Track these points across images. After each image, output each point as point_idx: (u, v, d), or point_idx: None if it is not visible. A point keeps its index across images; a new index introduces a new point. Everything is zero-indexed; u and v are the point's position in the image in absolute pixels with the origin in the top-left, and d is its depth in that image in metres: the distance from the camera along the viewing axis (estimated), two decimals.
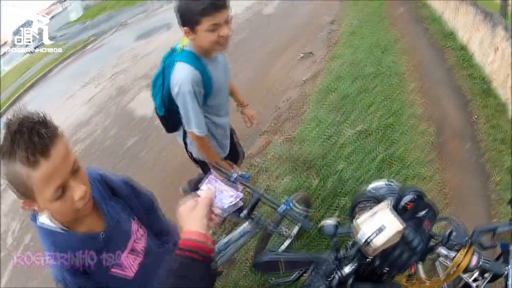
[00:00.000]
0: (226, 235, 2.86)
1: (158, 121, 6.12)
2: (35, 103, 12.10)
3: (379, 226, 1.39)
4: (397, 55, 7.13)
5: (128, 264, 1.68)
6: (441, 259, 1.80)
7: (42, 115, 1.24)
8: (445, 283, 2.90)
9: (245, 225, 2.69)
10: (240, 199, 1.33)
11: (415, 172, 4.28)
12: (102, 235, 1.52)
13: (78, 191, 1.29)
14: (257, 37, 9.64)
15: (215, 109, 2.85)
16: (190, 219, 1.21)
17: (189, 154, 3.21)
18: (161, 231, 2.03)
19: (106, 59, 11.59)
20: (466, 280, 2.48)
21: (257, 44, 8.98)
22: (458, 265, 1.53)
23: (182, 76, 2.46)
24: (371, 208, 1.56)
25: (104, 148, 6.34)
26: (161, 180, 5.05)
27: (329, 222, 1.61)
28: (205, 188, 1.34)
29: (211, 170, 1.37)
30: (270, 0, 12.77)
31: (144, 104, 7.38)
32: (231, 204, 1.31)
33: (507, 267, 1.52)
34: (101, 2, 26.69)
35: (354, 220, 1.49)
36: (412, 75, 6.50)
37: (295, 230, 3.54)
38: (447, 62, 6.89)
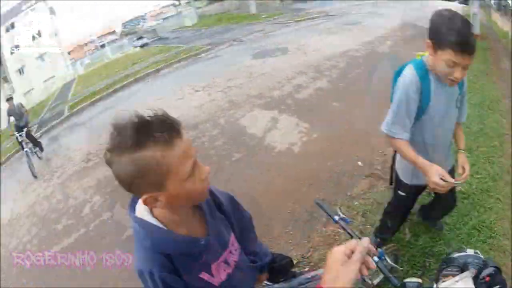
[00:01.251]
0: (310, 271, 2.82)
1: (267, 142, 6.56)
2: (141, 95, 13.03)
3: None
4: (501, 114, 6.87)
5: (218, 272, 1.74)
6: None
7: (169, 115, 1.32)
8: None
9: None
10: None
11: (499, 244, 4.09)
12: (202, 241, 1.58)
13: (205, 169, 1.41)
14: (369, 77, 9.30)
15: (424, 135, 2.69)
16: (340, 272, 1.11)
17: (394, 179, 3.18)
18: (253, 251, 2.12)
19: (220, 71, 12.02)
20: None
21: (368, 84, 8.81)
22: None
23: (404, 76, 2.48)
24: (454, 276, 1.76)
25: (208, 155, 6.60)
26: (260, 199, 5.12)
27: (413, 280, 1.75)
28: (363, 243, 1.18)
29: None
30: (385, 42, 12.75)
31: (256, 123, 7.71)
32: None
33: None
34: (217, 13, 27.53)
35: (438, 284, 1.69)
36: None
37: (377, 280, 3.41)
38: None
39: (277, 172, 5.88)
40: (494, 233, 4.17)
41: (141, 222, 1.50)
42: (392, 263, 2.60)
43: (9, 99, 10.92)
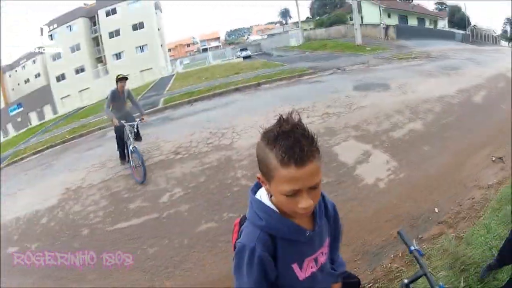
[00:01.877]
0: None
1: (356, 173, 7.15)
2: (239, 105, 13.54)
3: None
4: None
5: (306, 268, 1.89)
6: None
7: (311, 133, 1.49)
8: None
9: None
10: None
11: None
12: (308, 233, 1.75)
13: (305, 203, 1.50)
14: (461, 126, 9.65)
15: None
16: None
17: None
18: (333, 259, 2.27)
19: (321, 96, 12.46)
20: None
21: (458, 133, 9.17)
22: None
23: None
24: None
25: None
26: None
27: None
28: None
29: None
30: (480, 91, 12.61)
31: (349, 153, 8.00)
32: None
33: None
34: (322, 38, 27.97)
35: None
36: None
37: None
38: None
39: (359, 203, 6.21)
40: None
41: (259, 203, 1.75)
42: None
43: (122, 78, 8.56)
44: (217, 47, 30.75)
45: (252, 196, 1.81)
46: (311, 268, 1.92)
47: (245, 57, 26.75)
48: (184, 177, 7.95)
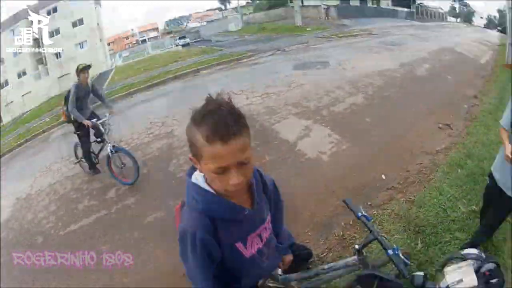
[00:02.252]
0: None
1: (298, 148, 6.85)
2: (178, 93, 13.21)
3: (459, 278, 1.75)
4: None
5: (251, 245, 1.95)
6: None
7: (237, 111, 1.54)
8: None
9: (352, 259, 2.78)
10: None
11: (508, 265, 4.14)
12: (247, 211, 1.80)
13: (235, 179, 1.54)
14: (404, 97, 9.73)
15: None
16: None
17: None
18: (279, 233, 2.36)
19: (260, 77, 12.20)
20: None
21: (402, 104, 9.21)
22: None
23: None
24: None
25: None
26: (285, 201, 5.24)
27: (419, 273, 1.87)
28: None
29: None
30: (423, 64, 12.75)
31: (289, 130, 7.89)
32: None
33: None
34: (262, 21, 27.66)
35: (444, 268, 1.86)
36: None
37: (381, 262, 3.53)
38: None
39: (304, 177, 6.12)
40: (503, 253, 4.20)
41: (195, 187, 1.74)
42: (405, 259, 2.59)
43: (86, 68, 6.83)
44: (156, 37, 29.88)
45: (188, 179, 1.80)
46: (256, 244, 1.98)
47: (184, 45, 26.00)
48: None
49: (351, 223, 4.80)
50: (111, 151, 6.80)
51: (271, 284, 3.19)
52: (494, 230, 3.78)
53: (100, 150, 7.32)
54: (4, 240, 6.49)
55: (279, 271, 3.09)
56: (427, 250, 4.23)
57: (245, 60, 16.10)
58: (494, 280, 1.94)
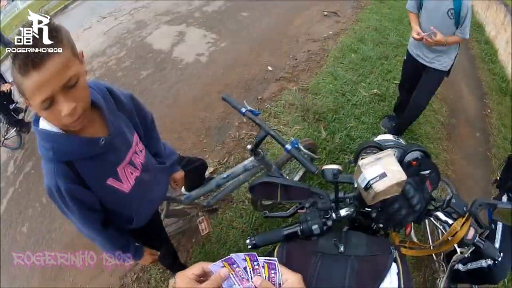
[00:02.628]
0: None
1: (174, 56, 6.47)
2: None
3: (382, 171, 1.33)
4: None
5: (125, 176, 1.74)
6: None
7: (51, 26, 1.27)
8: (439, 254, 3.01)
9: (249, 160, 2.66)
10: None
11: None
12: (102, 140, 1.55)
13: (65, 107, 1.31)
14: None
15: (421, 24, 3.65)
16: None
17: None
18: (158, 152, 2.14)
19: None
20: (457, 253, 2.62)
21: None
22: (454, 234, 1.45)
23: None
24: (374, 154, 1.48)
25: (116, 78, 6.27)
26: (170, 112, 5.06)
27: (332, 166, 1.50)
28: (218, 271, 1.06)
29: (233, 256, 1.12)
30: None
31: (162, 39, 7.34)
32: None
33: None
34: None
35: (358, 161, 1.40)
36: None
37: (298, 176, 3.55)
38: (470, 51, 6.88)
39: (185, 83, 5.75)
40: (415, 135, 4.51)
41: (41, 132, 1.47)
42: (308, 152, 2.51)
43: None
44: None
45: (34, 128, 1.50)
46: (132, 174, 1.78)
47: None
48: None
49: (245, 120, 4.65)
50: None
51: (177, 207, 3.13)
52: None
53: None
54: None
55: (183, 191, 3.04)
56: (333, 138, 4.14)
57: None
58: (426, 172, 1.55)
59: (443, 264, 2.86)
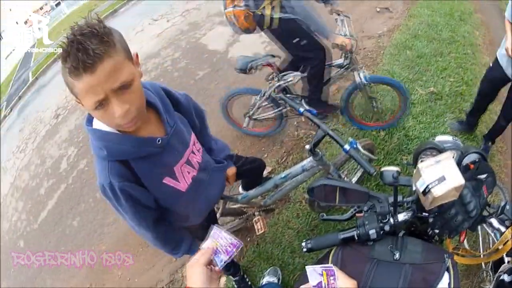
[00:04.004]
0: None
1: (230, 56, 6.53)
2: None
3: (441, 175, 1.29)
4: (473, 26, 6.87)
5: (182, 175, 1.77)
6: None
7: (100, 29, 1.25)
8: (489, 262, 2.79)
9: (307, 161, 2.65)
10: (237, 250, 1.27)
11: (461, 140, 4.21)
12: (159, 140, 1.57)
13: (119, 109, 1.33)
14: None
15: None
16: (192, 275, 1.19)
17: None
18: (210, 147, 2.16)
19: None
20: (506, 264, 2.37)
21: None
22: (505, 242, 1.43)
23: None
24: (434, 156, 1.42)
25: (172, 78, 6.43)
26: (229, 112, 5.01)
27: (391, 168, 1.45)
28: (208, 243, 1.30)
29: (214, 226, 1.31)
30: None
31: (217, 39, 7.43)
32: (227, 260, 1.27)
33: None
34: None
35: (418, 164, 1.37)
36: (486, 49, 6.28)
37: (356, 177, 3.55)
38: None
39: (242, 83, 5.67)
40: (471, 135, 4.31)
41: (95, 131, 1.49)
42: (366, 153, 2.45)
43: None
44: None
45: (87, 127, 1.53)
46: (189, 173, 1.81)
47: None
48: (72, 135, 7.13)
49: (303, 119, 4.61)
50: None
51: (233, 206, 3.17)
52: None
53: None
54: None
55: (240, 189, 3.13)
56: (392, 138, 4.10)
57: None
58: (482, 176, 1.50)
59: (491, 274, 2.75)
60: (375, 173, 2.06)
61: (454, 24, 6.70)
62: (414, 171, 1.36)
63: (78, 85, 1.25)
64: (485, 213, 1.54)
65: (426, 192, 1.29)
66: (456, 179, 1.27)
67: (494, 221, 1.50)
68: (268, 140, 4.60)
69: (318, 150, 2.51)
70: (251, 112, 3.87)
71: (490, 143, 4.07)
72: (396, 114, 4.17)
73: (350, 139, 2.23)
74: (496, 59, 3.67)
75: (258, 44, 6.78)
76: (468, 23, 6.93)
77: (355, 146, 2.20)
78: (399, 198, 1.51)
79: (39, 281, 4.55)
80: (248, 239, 3.55)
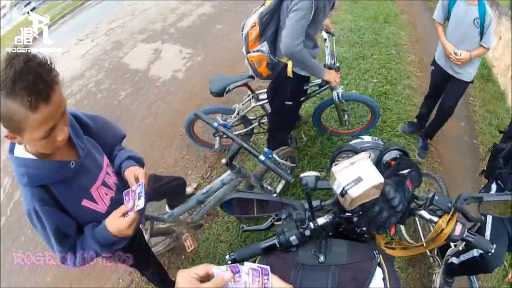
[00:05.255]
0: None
1: (152, 74, 6.41)
2: None
3: (356, 176, 1.33)
4: (398, 27, 7.07)
5: (100, 197, 1.76)
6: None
7: (48, 60, 1.29)
8: (428, 252, 2.96)
9: (226, 175, 2.67)
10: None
11: (406, 141, 4.34)
12: (73, 164, 1.57)
13: (62, 133, 1.40)
14: None
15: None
16: None
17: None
18: (125, 156, 2.05)
19: (103, 15, 11.46)
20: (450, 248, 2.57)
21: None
22: (441, 231, 1.43)
23: None
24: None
25: (96, 100, 6.25)
26: (150, 131, 5.05)
27: (310, 174, 1.50)
28: (221, 274, 1.07)
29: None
30: None
31: (139, 58, 7.40)
32: None
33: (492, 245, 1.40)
34: None
35: (331, 168, 1.41)
36: (412, 48, 6.47)
37: (280, 187, 3.58)
38: None
39: (164, 101, 5.80)
40: (398, 131, 4.45)
41: (16, 159, 1.50)
42: (283, 161, 2.62)
43: None
44: (4, 15, 27.68)
45: (9, 156, 1.54)
46: (106, 195, 1.79)
47: (31, 10, 24.29)
48: (5, 164, 6.32)
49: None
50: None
51: (162, 226, 3.15)
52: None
53: None
54: None
55: (167, 208, 3.26)
56: (315, 142, 4.22)
57: (87, 3, 15.11)
58: (405, 171, 1.56)
59: (438, 259, 2.85)
60: (292, 180, 2.14)
61: (378, 27, 6.89)
62: (330, 175, 1.39)
63: (34, 118, 1.25)
64: (414, 205, 1.58)
65: (343, 194, 1.33)
66: (373, 178, 1.32)
67: (424, 213, 1.52)
68: (192, 156, 4.59)
69: (236, 163, 2.52)
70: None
71: (428, 140, 4.31)
72: (366, 125, 4.28)
73: (266, 149, 2.26)
74: (434, 60, 4.02)
75: (179, 60, 6.89)
76: (394, 24, 7.14)
77: (270, 156, 2.22)
78: (318, 202, 1.56)
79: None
80: (183, 257, 3.49)
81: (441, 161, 4.24)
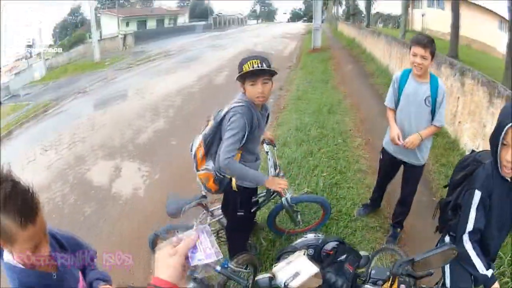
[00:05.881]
0: None
1: (114, 191, 6.59)
2: None
3: (294, 271, 1.57)
4: (343, 114, 7.46)
5: None
6: None
7: (31, 187, 1.43)
8: None
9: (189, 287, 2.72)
10: (213, 262, 1.23)
11: (364, 224, 4.50)
12: (54, 275, 1.69)
13: (45, 250, 1.52)
14: (202, 108, 10.19)
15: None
16: (164, 267, 1.14)
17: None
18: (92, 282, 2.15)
19: (65, 126, 11.80)
20: None
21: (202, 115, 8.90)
22: None
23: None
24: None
25: (63, 215, 6.29)
26: (117, 250, 5.00)
27: (263, 275, 1.69)
28: (189, 235, 1.23)
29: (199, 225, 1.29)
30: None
31: (101, 175, 7.58)
32: (199, 262, 1.20)
33: None
34: (63, 63, 26.82)
35: (272, 269, 1.68)
36: (358, 131, 6.82)
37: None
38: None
39: (127, 219, 5.85)
40: (354, 216, 4.60)
41: (6, 265, 1.60)
42: (241, 268, 2.77)
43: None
44: None
45: (2, 262, 1.62)
46: None
47: None
48: None
49: None
50: None
51: None
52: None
53: None
54: None
55: None
56: (275, 244, 4.34)
57: (51, 110, 15.36)
58: (343, 257, 1.85)
59: None
60: (247, 285, 2.40)
61: (322, 120, 7.21)
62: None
63: (23, 234, 1.38)
64: (359, 282, 1.84)
65: (286, 287, 1.57)
66: (309, 269, 1.58)
67: (368, 286, 1.77)
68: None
69: (196, 275, 2.66)
70: None
71: (398, 229, 4.36)
72: (320, 221, 4.43)
73: (222, 260, 2.18)
74: (383, 148, 4.12)
75: (138, 178, 7.11)
76: (338, 112, 7.50)
77: (226, 266, 2.32)
78: None
79: None
80: None
81: (403, 229, 4.42)
